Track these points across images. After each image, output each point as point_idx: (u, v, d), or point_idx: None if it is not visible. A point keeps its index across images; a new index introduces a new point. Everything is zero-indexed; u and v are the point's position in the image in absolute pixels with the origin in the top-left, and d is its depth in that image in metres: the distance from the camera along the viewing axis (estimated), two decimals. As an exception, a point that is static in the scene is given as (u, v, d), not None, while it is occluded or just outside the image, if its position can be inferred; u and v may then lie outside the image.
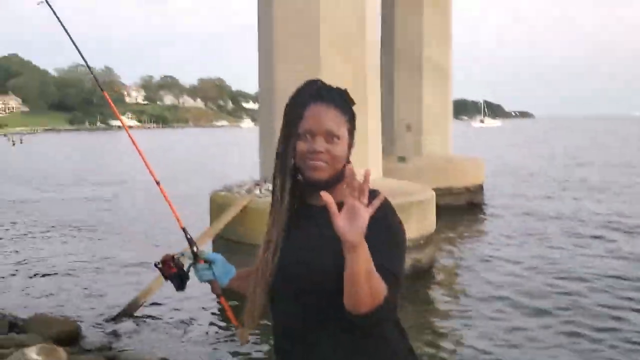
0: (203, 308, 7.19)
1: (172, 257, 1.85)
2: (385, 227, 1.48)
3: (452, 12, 15.49)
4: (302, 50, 8.17)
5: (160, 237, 11.57)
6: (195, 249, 1.85)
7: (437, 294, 7.86)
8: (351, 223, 1.25)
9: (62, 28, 2.48)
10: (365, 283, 1.31)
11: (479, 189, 15.27)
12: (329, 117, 1.55)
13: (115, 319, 6.76)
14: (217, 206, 8.73)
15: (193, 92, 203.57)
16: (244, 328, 1.71)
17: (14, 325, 6.34)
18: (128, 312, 6.87)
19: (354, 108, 1.63)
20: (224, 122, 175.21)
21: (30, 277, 8.82)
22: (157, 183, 2.26)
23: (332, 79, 1.68)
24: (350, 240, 1.25)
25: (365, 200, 1.25)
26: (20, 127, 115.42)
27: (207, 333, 6.48)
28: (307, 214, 1.61)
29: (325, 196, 1.26)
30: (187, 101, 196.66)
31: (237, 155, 37.66)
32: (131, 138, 2.27)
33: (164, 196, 2.16)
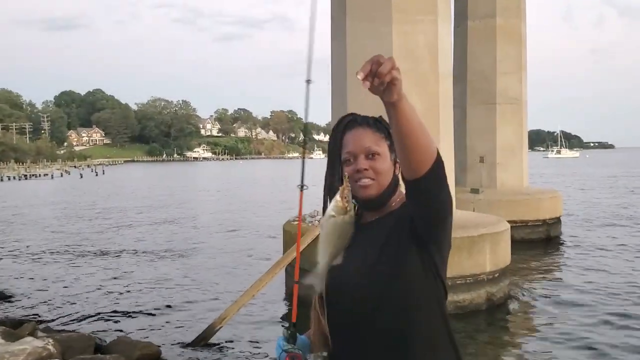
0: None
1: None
2: None
3: (526, 43, 15.30)
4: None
5: (237, 266, 11.92)
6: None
7: (511, 328, 7.66)
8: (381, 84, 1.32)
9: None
10: (419, 129, 1.38)
11: (557, 222, 14.79)
12: (365, 137, 1.68)
13: (193, 344, 6.99)
14: (289, 236, 8.93)
15: (266, 124, 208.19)
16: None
17: (99, 348, 6.67)
18: (204, 337, 7.09)
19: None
20: (296, 154, 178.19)
21: (114, 300, 9.26)
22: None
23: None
24: (388, 100, 1.35)
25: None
26: (102, 159, 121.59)
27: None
28: (361, 232, 1.66)
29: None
30: (260, 133, 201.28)
31: (309, 186, 38.04)
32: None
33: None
